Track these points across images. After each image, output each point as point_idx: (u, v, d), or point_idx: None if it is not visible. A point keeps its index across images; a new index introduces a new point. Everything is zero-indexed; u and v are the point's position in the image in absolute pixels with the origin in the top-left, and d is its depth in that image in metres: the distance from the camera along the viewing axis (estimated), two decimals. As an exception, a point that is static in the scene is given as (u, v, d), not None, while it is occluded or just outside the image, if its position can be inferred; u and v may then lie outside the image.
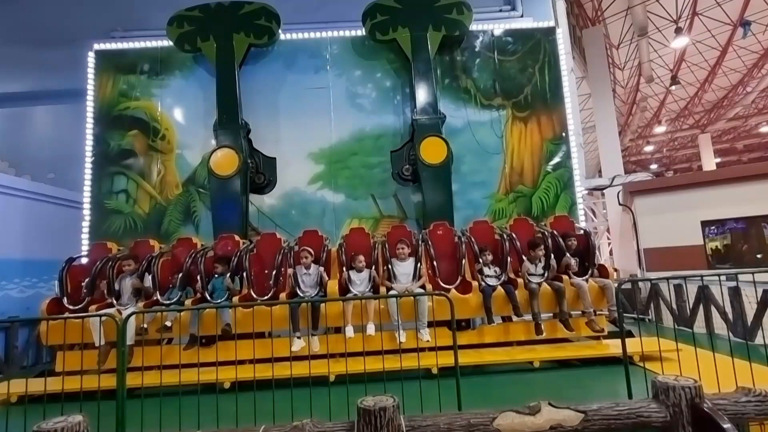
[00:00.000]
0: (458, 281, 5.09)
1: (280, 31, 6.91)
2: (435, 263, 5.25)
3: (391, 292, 4.74)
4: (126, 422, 2.67)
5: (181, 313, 4.60)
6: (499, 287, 4.86)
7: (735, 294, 6.78)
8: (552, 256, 5.07)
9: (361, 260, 4.97)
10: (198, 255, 5.18)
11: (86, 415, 1.96)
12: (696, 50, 19.54)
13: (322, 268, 4.99)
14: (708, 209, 9.16)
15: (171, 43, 6.95)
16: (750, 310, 6.54)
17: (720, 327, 6.79)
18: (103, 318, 4.38)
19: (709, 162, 25.02)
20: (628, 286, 8.84)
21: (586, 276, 5.10)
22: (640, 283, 9.08)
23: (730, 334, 6.43)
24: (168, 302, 4.88)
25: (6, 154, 10.30)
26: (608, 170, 13.81)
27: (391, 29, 6.80)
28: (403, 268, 4.96)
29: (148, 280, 5.06)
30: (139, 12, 9.65)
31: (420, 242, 5.31)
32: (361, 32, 7.27)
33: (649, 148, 30.35)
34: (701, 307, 7.28)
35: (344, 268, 5.05)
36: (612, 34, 18.23)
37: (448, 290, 4.92)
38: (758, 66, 20.63)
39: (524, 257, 5.15)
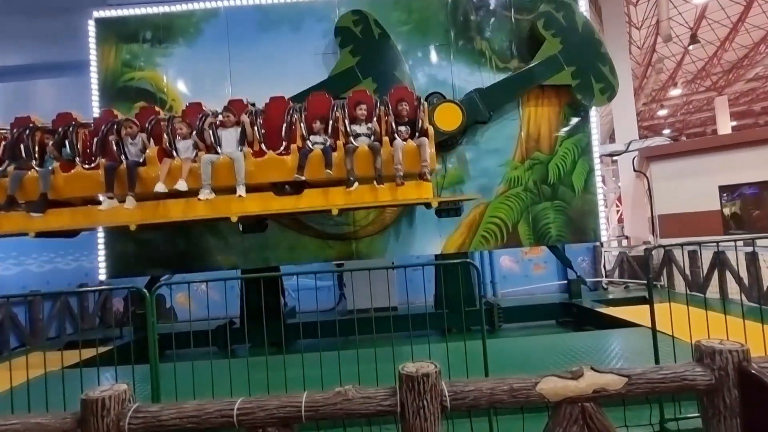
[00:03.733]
0: (282, 147, 5.21)
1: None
2: (256, 130, 5.29)
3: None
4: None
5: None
6: (318, 150, 5.05)
7: (752, 259, 6.72)
8: (375, 119, 5.29)
9: (182, 128, 5.12)
10: (28, 129, 5.30)
11: (129, 384, 2.00)
12: (718, 5, 18.50)
13: (144, 135, 5.24)
14: (727, 173, 8.95)
15: (174, 8, 6.68)
16: (767, 274, 6.51)
17: (733, 292, 6.78)
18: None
19: (725, 125, 24.24)
20: (661, 252, 8.62)
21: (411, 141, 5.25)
22: (653, 250, 9.01)
23: (744, 298, 6.42)
24: None
25: (12, 130, 10.19)
26: (622, 136, 13.41)
27: (554, 35, 6.46)
28: (229, 135, 5.14)
29: None
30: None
31: (249, 113, 5.36)
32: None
33: (662, 112, 29.41)
34: (716, 273, 7.27)
35: (167, 136, 5.23)
36: (630, -10, 17.26)
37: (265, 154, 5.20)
38: (783, 22, 19.57)
39: (346, 121, 5.29)
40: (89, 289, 4.39)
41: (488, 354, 2.69)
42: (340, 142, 5.13)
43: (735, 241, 4.60)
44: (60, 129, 5.26)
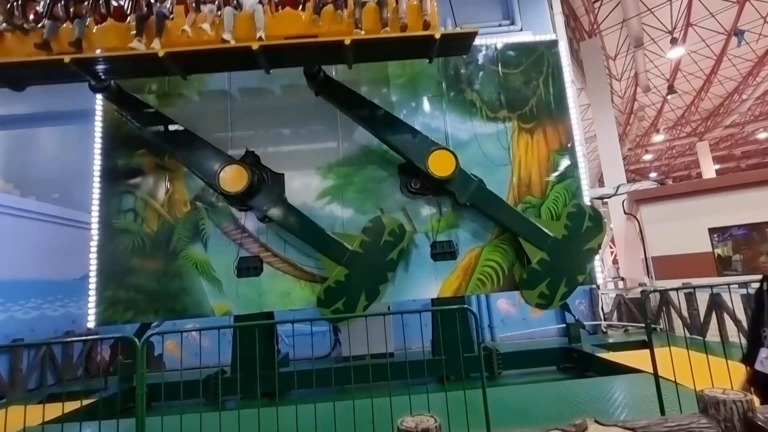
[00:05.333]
0: (300, 6, 5.73)
1: None
2: None
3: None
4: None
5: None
6: (330, 5, 5.64)
7: (748, 302, 6.73)
8: None
9: None
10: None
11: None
12: (691, 60, 19.85)
13: None
14: (715, 216, 9.16)
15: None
16: (765, 317, 6.48)
17: (732, 333, 6.70)
18: None
19: (709, 169, 25.13)
20: (657, 295, 8.67)
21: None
22: (650, 294, 8.99)
23: (743, 340, 6.33)
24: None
25: (11, 176, 10.31)
26: (610, 179, 13.83)
27: (567, 227, 6.55)
28: (250, 1, 5.65)
29: None
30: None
31: None
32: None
33: (647, 157, 30.55)
34: (713, 315, 7.23)
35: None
36: (608, 46, 18.53)
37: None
38: (753, 74, 20.93)
39: None
40: (76, 338, 4.22)
41: (489, 403, 2.61)
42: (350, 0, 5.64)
43: (729, 285, 4.61)
44: None
